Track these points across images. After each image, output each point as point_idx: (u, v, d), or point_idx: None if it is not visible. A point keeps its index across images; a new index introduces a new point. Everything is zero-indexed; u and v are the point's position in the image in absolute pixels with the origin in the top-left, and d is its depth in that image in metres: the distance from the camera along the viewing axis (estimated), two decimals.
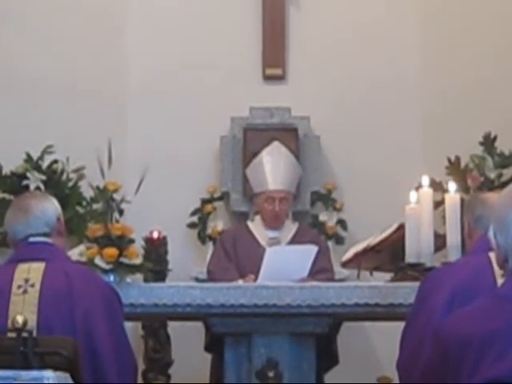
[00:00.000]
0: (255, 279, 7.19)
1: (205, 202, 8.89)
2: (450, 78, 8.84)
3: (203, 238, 8.77)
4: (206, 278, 7.71)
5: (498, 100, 8.70)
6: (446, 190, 6.89)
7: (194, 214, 8.85)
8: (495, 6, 8.91)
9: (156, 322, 7.71)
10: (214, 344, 7.46)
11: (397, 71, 8.95)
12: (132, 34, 9.05)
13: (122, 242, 7.20)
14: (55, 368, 4.72)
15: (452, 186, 6.86)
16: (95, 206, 8.05)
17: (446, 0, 9.00)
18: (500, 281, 4.02)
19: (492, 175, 8.48)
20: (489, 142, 8.62)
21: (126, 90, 9.00)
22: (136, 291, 6.93)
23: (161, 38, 9.03)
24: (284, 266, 7.22)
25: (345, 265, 7.53)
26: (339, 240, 8.67)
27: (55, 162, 8.48)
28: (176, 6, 9.02)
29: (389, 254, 7.10)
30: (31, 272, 5.31)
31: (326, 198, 8.89)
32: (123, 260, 7.12)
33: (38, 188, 8.13)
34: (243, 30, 9.12)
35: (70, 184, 8.40)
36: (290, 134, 8.78)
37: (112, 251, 7.08)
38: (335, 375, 7.78)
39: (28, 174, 8.46)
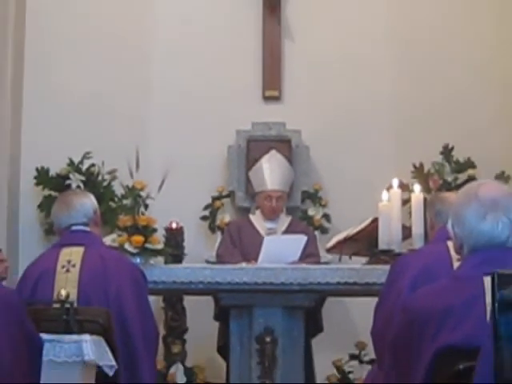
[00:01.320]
0: (255, 261, 7.20)
1: (214, 199, 8.88)
2: (416, 98, 8.83)
3: (213, 228, 8.77)
4: (215, 261, 7.72)
5: (454, 116, 8.70)
6: (411, 191, 6.89)
7: (205, 208, 8.85)
8: (456, 37, 8.91)
9: (174, 297, 7.70)
10: (221, 314, 7.47)
11: (372, 93, 8.93)
12: (156, 61, 9.05)
13: (146, 231, 7.21)
14: (92, 333, 4.73)
15: (417, 187, 6.88)
16: (125, 202, 8.01)
17: (414, 33, 8.96)
18: (456, 264, 4.03)
19: (449, 179, 8.49)
20: (447, 152, 8.63)
21: (151, 107, 8.99)
22: (158, 271, 6.96)
23: (180, 65, 9.01)
24: (279, 251, 7.23)
25: (329, 251, 7.56)
26: (324, 230, 8.66)
27: (92, 165, 8.48)
28: (194, 39, 9.01)
29: (365, 242, 7.11)
30: (73, 255, 5.37)
31: (313, 197, 8.89)
32: (148, 246, 7.13)
33: (78, 187, 8.13)
34: (247, 60, 9.11)
35: (105, 183, 8.40)
36: (284, 145, 8.77)
37: (139, 238, 7.09)
38: (320, 340, 7.78)
39: (70, 176, 8.46)
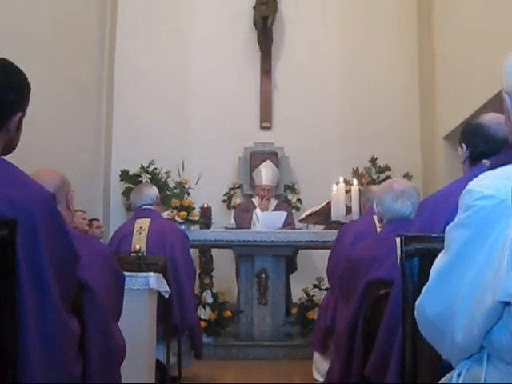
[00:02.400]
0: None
1: (230, 189, 8.87)
2: (355, 126, 8.80)
3: (229, 207, 8.76)
4: (231, 227, 7.70)
5: (378, 139, 8.66)
6: (351, 185, 6.89)
7: (225, 195, 8.84)
8: (380, 86, 8.89)
9: (205, 249, 7.68)
10: (235, 260, 7.52)
11: (327, 124, 8.88)
12: (193, 104, 9.01)
13: (188, 209, 7.24)
14: (154, 271, 4.72)
15: (355, 182, 6.91)
16: (175, 191, 8.05)
17: (355, 82, 8.92)
18: (379, 230, 4.04)
19: (374, 177, 8.49)
20: (373, 160, 8.63)
21: (191, 133, 8.95)
22: (195, 233, 7.01)
23: (209, 107, 8.95)
24: (270, 221, 7.27)
25: (300, 221, 7.56)
26: (297, 209, 8.62)
27: (155, 168, 8.48)
28: (218, 91, 8.94)
29: (323, 216, 7.11)
30: (143, 223, 5.38)
31: (291, 188, 8.87)
32: (189, 218, 7.18)
33: (146, 181, 8.13)
34: (251, 104, 9.09)
35: (163, 180, 8.40)
36: (273, 156, 8.75)
37: (184, 214, 7.12)
38: (295, 276, 7.79)
39: (141, 175, 8.46)
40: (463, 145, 2.60)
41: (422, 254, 2.07)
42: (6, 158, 2.05)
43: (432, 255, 1.55)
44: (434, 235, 2.06)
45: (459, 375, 1.49)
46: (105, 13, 8.65)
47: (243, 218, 7.65)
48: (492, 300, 1.34)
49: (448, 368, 1.59)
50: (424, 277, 1.58)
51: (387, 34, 8.96)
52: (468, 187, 1.45)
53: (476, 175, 1.48)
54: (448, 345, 1.47)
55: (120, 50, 8.86)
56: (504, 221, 1.35)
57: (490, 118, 2.50)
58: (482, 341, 1.42)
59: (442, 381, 1.60)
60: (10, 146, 2.09)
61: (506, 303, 1.33)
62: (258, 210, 7.67)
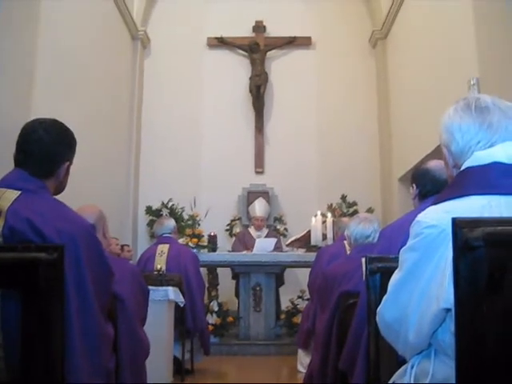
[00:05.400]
0: (252, 250, 7.18)
1: (232, 220, 8.84)
2: (329, 170, 8.84)
3: (231, 234, 8.71)
4: (231, 251, 7.65)
5: (347, 180, 8.71)
6: (326, 217, 6.87)
7: (227, 225, 8.81)
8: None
9: (212, 268, 7.65)
10: (235, 276, 7.43)
11: (306, 169, 8.92)
12: (203, 158, 9.03)
13: (199, 237, 7.22)
14: (172, 286, 4.69)
15: (329, 215, 6.88)
16: (189, 222, 8.03)
17: (328, 134, 8.97)
18: (348, 252, 4.03)
19: (345, 211, 8.48)
20: (343, 197, 8.63)
21: (200, 177, 8.97)
22: (204, 256, 6.98)
23: (216, 158, 9.00)
24: (263, 246, 7.22)
25: (287, 246, 7.52)
26: (284, 236, 8.58)
27: (173, 204, 8.46)
28: (221, 145, 9.00)
29: (305, 241, 7.09)
30: (164, 248, 5.35)
31: (279, 219, 8.86)
32: (200, 243, 7.14)
33: (166, 215, 8.10)
34: (247, 155, 9.12)
35: (179, 213, 8.37)
36: (265, 195, 8.75)
37: (195, 240, 7.10)
38: (283, 289, 7.72)
39: (162, 210, 8.44)
40: (414, 185, 2.61)
41: (382, 271, 2.07)
42: (56, 197, 2.07)
43: (390, 272, 1.55)
44: (391, 256, 2.06)
45: (412, 367, 1.48)
46: (133, 86, 8.79)
47: (238, 250, 7.60)
48: (437, 307, 1.34)
49: (403, 361, 1.58)
50: (384, 289, 1.58)
51: (354, 99, 9.06)
52: (417, 218, 1.46)
53: (423, 209, 1.50)
54: (402, 343, 1.47)
55: (146, 116, 8.97)
56: (445, 245, 1.35)
57: (435, 164, 2.53)
58: (429, 339, 1.42)
59: (398, 372, 1.60)
60: (59, 188, 2.12)
61: (448, 310, 1.33)
62: (257, 239, 7.62)
